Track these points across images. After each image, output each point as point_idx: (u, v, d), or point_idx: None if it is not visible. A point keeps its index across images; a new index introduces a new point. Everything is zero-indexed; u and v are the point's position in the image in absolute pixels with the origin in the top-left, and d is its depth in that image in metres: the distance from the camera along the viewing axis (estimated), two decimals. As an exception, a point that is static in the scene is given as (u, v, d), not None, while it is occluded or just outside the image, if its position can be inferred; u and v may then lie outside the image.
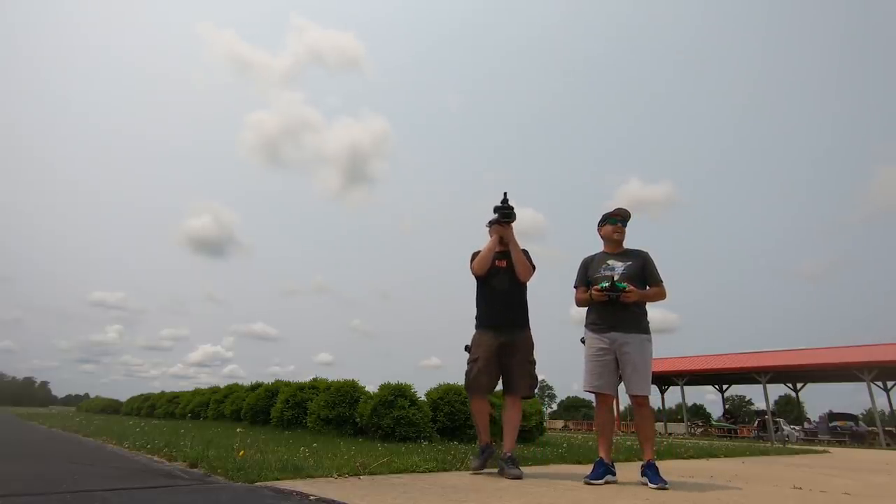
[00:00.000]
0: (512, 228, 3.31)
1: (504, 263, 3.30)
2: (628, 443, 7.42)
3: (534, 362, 3.21)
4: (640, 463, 2.86)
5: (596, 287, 3.01)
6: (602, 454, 2.89)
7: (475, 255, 3.39)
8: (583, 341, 3.17)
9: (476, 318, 3.34)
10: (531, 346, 3.24)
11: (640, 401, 2.88)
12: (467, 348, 3.29)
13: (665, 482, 2.63)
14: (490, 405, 3.42)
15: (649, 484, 2.64)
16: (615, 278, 2.98)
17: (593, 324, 3.07)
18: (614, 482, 2.80)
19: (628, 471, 3.35)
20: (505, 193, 3.31)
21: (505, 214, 3.27)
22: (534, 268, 3.33)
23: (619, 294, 2.91)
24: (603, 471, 2.79)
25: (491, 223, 3.36)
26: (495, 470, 3.06)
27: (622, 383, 2.99)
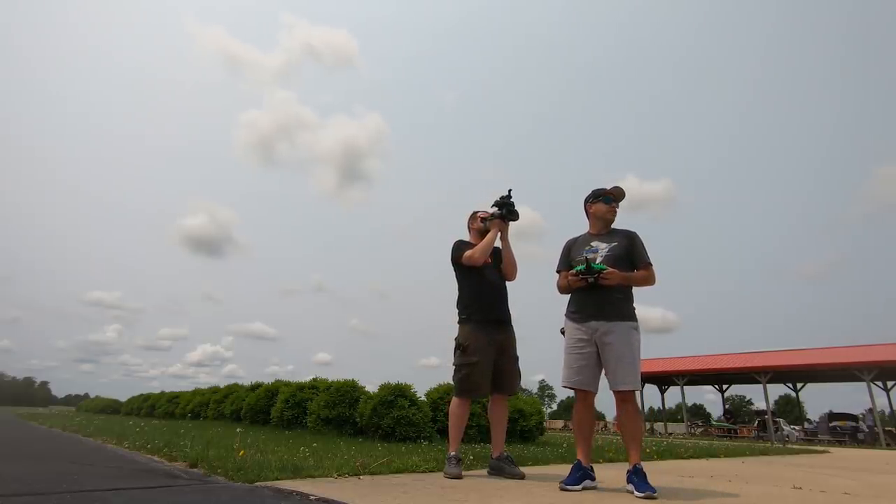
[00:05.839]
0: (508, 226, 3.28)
1: (489, 260, 3.27)
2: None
3: (518, 358, 3.21)
4: (627, 467, 2.53)
5: (571, 272, 2.72)
6: (580, 456, 2.58)
7: (462, 243, 3.32)
8: (563, 332, 2.82)
9: (465, 312, 3.18)
10: (516, 341, 3.23)
11: (624, 396, 2.54)
12: (461, 347, 3.09)
13: (653, 490, 2.27)
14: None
15: (636, 492, 2.30)
16: (597, 260, 2.66)
17: (572, 312, 2.75)
18: (593, 487, 2.52)
19: (614, 471, 3.34)
20: (510, 190, 3.22)
21: (512, 211, 3.22)
22: None
23: (597, 276, 2.59)
24: (581, 475, 2.49)
25: (493, 217, 3.25)
26: (485, 471, 3.07)
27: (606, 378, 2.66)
